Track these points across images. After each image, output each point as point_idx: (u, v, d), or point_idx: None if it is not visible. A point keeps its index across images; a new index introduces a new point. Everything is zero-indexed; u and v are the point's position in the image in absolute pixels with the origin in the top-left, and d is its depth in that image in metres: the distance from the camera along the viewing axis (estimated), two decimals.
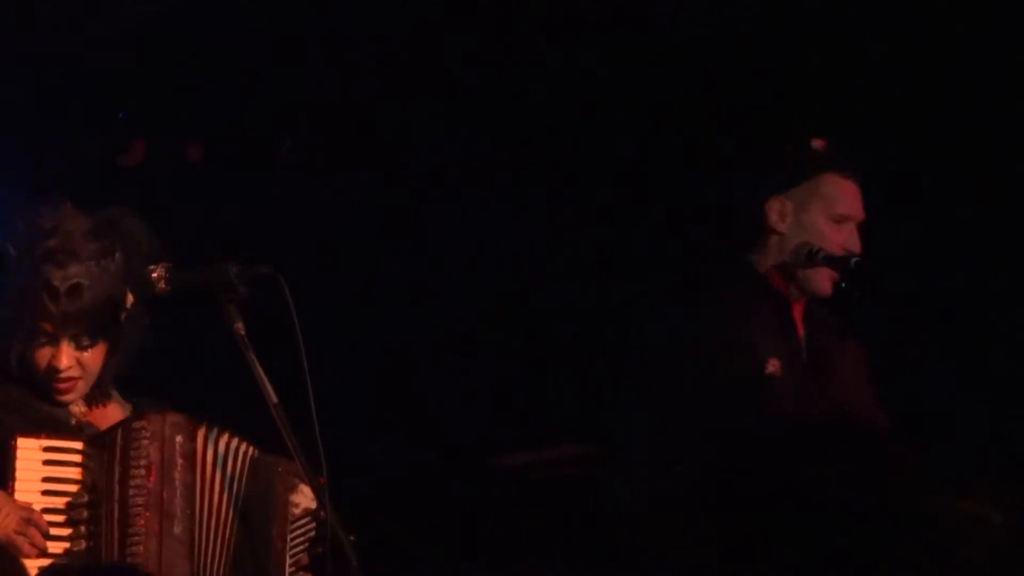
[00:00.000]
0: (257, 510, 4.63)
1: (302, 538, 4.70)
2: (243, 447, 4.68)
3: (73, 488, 4.46)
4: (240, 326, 4.20)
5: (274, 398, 4.19)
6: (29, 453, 4.40)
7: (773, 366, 4.77)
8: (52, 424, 4.51)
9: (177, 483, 4.57)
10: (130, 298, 4.61)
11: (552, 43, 6.93)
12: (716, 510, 4.39)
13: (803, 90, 6.65)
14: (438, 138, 7.62)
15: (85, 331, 4.48)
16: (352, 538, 4.27)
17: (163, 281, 4.34)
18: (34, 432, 4.39)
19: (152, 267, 4.43)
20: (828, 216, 4.84)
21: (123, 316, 4.61)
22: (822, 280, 4.82)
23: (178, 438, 4.56)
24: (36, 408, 4.50)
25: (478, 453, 6.69)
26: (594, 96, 7.17)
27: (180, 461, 4.59)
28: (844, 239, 4.84)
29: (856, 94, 6.62)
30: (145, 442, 4.51)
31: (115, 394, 4.76)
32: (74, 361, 4.44)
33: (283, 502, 4.69)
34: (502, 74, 7.09)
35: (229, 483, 4.65)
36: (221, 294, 4.27)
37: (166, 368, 5.43)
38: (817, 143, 4.94)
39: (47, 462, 4.42)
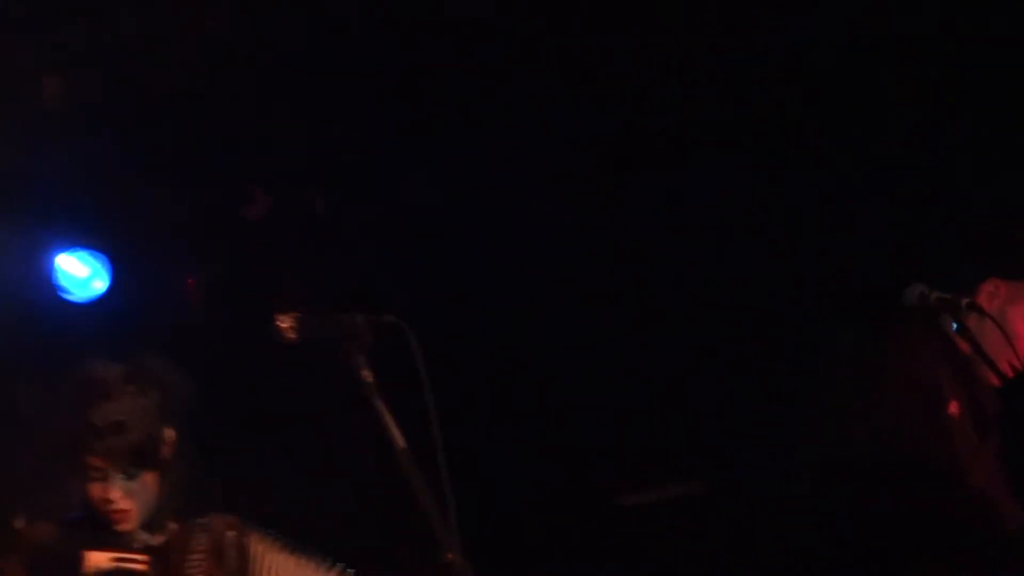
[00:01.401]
0: None
1: None
2: (297, 560, 4.82)
3: None
4: (367, 373, 4.04)
5: (402, 443, 3.98)
6: (98, 560, 4.58)
7: (954, 408, 4.70)
8: (119, 546, 4.64)
9: (234, 564, 4.77)
10: (171, 434, 4.76)
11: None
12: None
13: None
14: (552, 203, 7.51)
15: (131, 464, 4.59)
16: None
17: (292, 331, 4.19)
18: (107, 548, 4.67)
19: (281, 316, 4.22)
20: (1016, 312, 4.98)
21: (167, 451, 4.73)
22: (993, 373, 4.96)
23: (229, 534, 4.79)
24: (104, 536, 4.63)
25: (602, 492, 6.71)
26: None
27: (240, 554, 4.78)
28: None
29: None
30: (214, 534, 4.77)
31: (171, 524, 4.87)
32: (125, 492, 4.58)
33: None
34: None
35: None
36: (348, 343, 4.16)
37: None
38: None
39: (115, 571, 4.61)
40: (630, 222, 7.58)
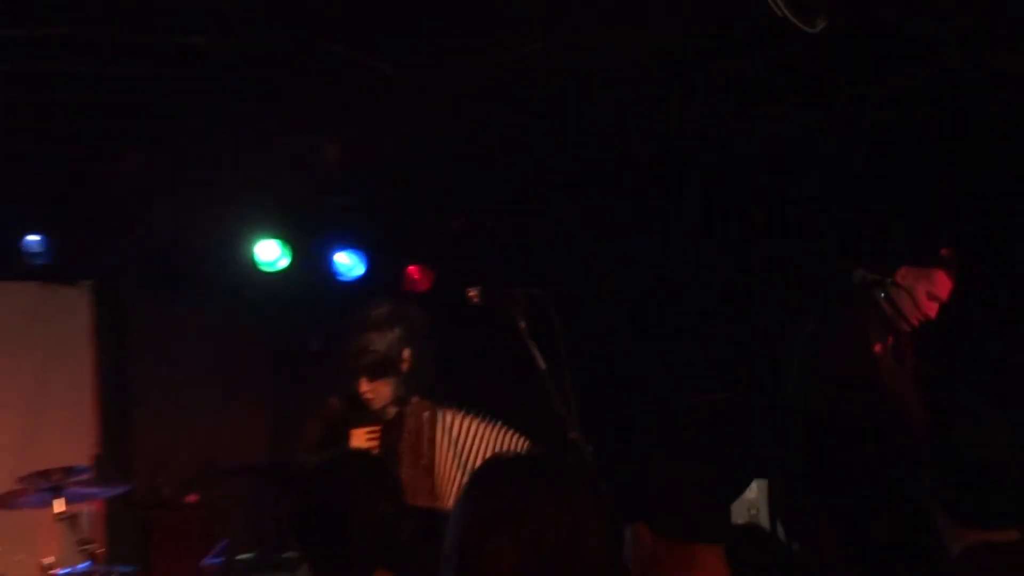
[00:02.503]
0: (476, 449, 5.83)
1: None
2: (464, 419, 5.85)
3: (377, 444, 5.78)
4: (523, 324, 5.11)
5: (543, 365, 5.08)
6: (359, 434, 5.82)
7: (878, 348, 5.42)
8: (370, 421, 5.85)
9: (424, 437, 5.82)
10: (407, 353, 5.77)
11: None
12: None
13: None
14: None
15: (377, 371, 5.69)
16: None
17: (477, 298, 5.29)
18: (364, 425, 5.85)
19: (471, 289, 5.35)
20: (927, 293, 5.49)
21: (404, 365, 5.78)
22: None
23: (426, 414, 5.81)
24: (363, 414, 5.84)
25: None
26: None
27: (426, 427, 5.87)
28: (930, 310, 5.48)
29: None
30: (414, 413, 5.81)
31: (415, 399, 5.89)
32: (372, 387, 5.70)
33: (496, 446, 5.83)
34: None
35: (456, 435, 5.82)
36: (511, 305, 5.19)
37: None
38: (944, 251, 5.51)
39: (369, 437, 5.81)
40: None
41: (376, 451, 5.65)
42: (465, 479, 5.17)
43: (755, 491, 5.50)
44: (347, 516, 3.48)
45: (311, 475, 3.87)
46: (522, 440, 5.79)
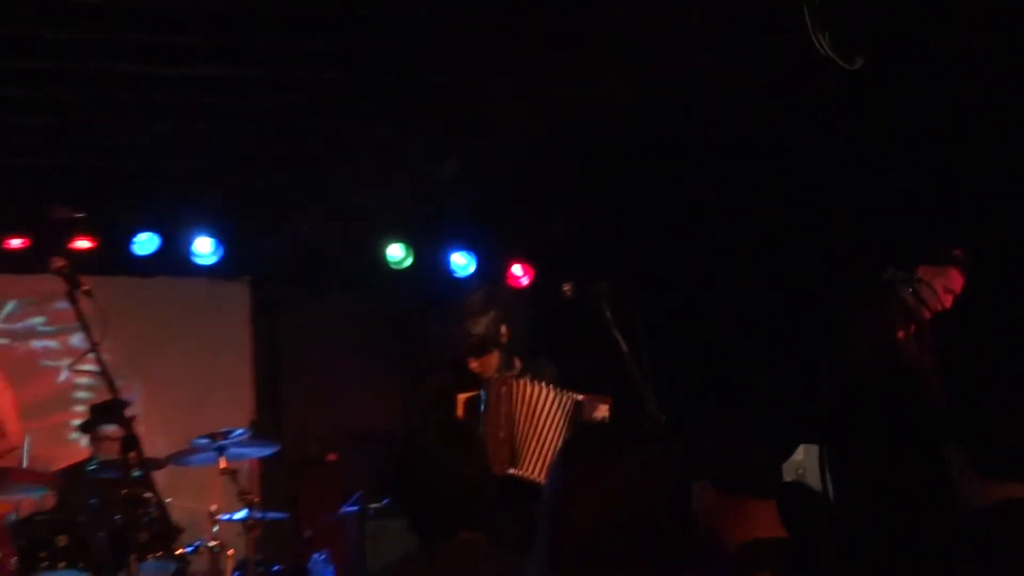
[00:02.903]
0: (554, 419, 5.69)
1: None
2: (544, 389, 5.73)
3: (479, 411, 5.69)
4: (609, 313, 5.17)
5: (625, 348, 5.10)
6: (461, 400, 5.75)
7: (901, 335, 5.44)
8: (480, 385, 5.73)
9: (502, 412, 5.67)
10: (505, 330, 5.76)
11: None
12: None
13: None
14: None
15: (479, 349, 5.70)
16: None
17: (570, 292, 5.41)
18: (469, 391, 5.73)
19: (565, 284, 5.45)
20: (944, 287, 5.40)
21: (503, 340, 5.76)
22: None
23: (503, 389, 5.69)
24: (470, 380, 5.74)
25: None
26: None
27: (504, 398, 5.72)
28: (946, 301, 5.40)
29: None
30: (494, 389, 5.70)
31: (518, 366, 5.84)
32: (477, 363, 5.70)
33: (578, 415, 5.67)
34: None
35: (534, 406, 5.72)
36: (599, 298, 5.24)
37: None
38: (957, 252, 5.47)
39: (468, 402, 5.74)
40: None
41: (472, 417, 5.71)
42: (540, 444, 5.55)
43: (801, 454, 5.51)
44: (434, 478, 3.39)
45: (407, 440, 3.82)
46: (591, 405, 5.76)
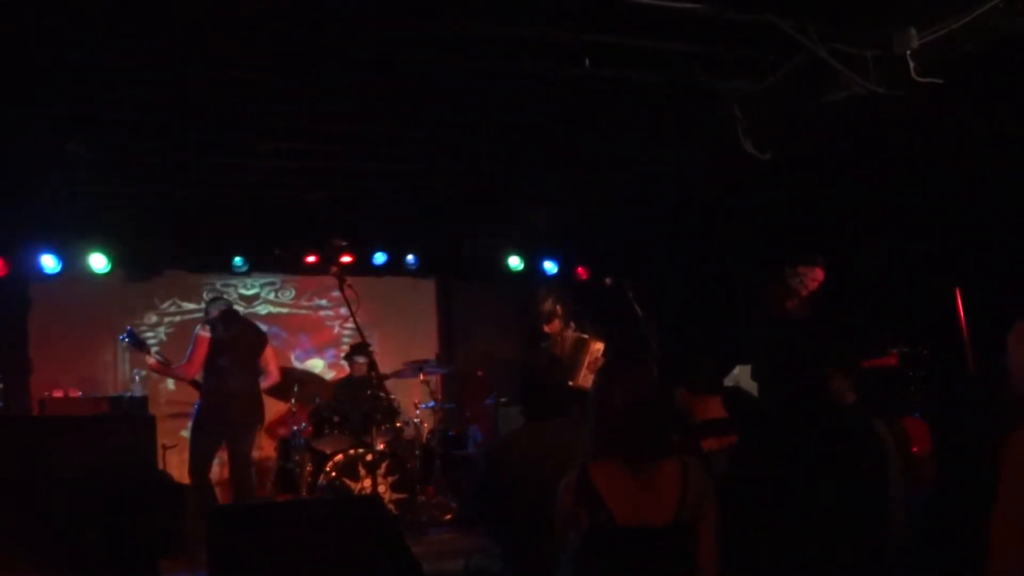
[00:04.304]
0: (595, 352, 5.11)
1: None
2: (578, 336, 5.23)
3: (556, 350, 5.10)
4: (630, 293, 5.09)
5: (640, 313, 5.04)
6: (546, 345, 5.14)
7: (790, 304, 4.97)
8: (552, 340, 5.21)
9: (567, 351, 5.10)
10: (559, 308, 5.26)
11: None
12: None
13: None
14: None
15: (546, 319, 5.25)
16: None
17: (610, 282, 5.15)
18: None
19: (607, 278, 5.21)
20: (812, 278, 4.96)
21: (559, 313, 5.29)
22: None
23: (570, 335, 5.19)
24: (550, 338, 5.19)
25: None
26: None
27: (569, 344, 5.15)
28: (815, 285, 4.93)
29: None
30: (556, 340, 5.19)
31: (572, 327, 5.32)
32: (548, 327, 5.21)
33: (581, 355, 5.04)
34: None
35: (575, 347, 5.16)
36: (625, 286, 5.11)
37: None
38: (820, 257, 4.91)
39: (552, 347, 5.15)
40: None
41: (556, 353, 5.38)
42: (587, 367, 5.13)
43: (737, 370, 5.58)
44: (541, 381, 3.14)
45: (524, 364, 3.80)
46: (595, 342, 5.31)
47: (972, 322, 4.80)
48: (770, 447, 2.55)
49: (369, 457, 5.74)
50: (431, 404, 6.88)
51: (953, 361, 4.69)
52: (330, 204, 6.83)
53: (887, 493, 2.51)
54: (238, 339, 5.49)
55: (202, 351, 5.37)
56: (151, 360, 5.44)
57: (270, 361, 5.88)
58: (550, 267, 8.21)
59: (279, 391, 6.34)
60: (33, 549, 3.10)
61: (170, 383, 7.07)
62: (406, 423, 6.63)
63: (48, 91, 4.28)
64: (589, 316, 5.52)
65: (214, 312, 5.56)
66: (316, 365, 7.94)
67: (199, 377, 5.50)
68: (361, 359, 6.64)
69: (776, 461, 2.48)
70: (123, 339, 5.62)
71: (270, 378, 5.87)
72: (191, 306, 7.50)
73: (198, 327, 5.55)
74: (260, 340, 5.72)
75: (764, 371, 4.63)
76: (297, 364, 7.75)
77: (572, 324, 5.44)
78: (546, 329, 5.43)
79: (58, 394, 5.70)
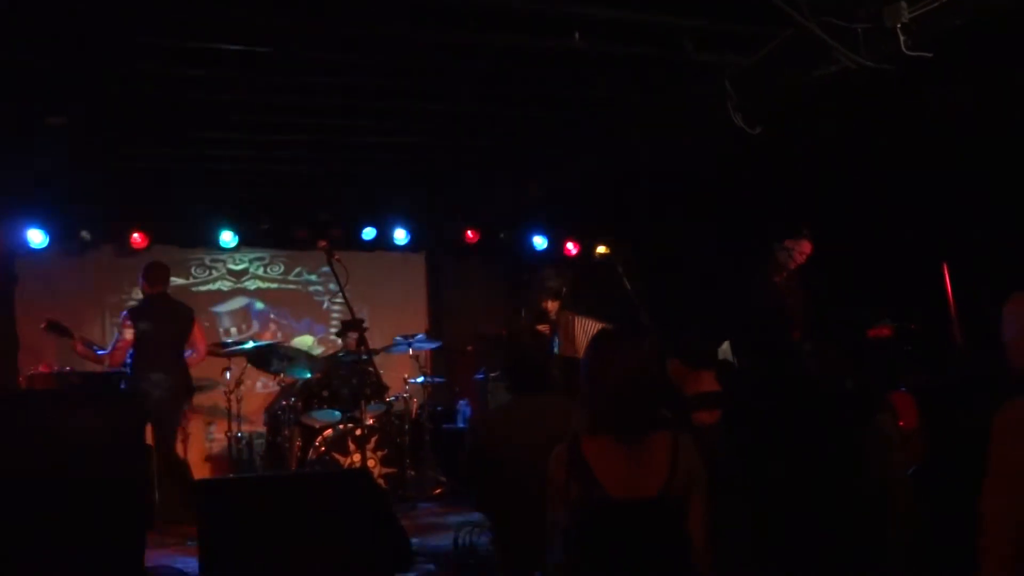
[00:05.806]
0: (591, 329, 5.24)
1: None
2: (584, 320, 5.42)
3: (548, 329, 5.35)
4: (625, 280, 5.07)
5: (629, 288, 4.99)
6: (542, 327, 5.38)
7: (778, 278, 5.06)
8: (546, 317, 5.43)
9: (563, 329, 5.30)
10: (563, 289, 5.44)
11: None
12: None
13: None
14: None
15: (554, 295, 5.45)
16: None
17: (602, 256, 5.48)
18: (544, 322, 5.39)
19: (599, 248, 5.51)
20: (799, 252, 5.01)
21: (562, 291, 5.47)
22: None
23: (568, 317, 5.41)
24: (541, 313, 5.45)
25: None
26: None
27: (565, 324, 5.39)
28: (802, 258, 5.01)
29: None
30: (561, 319, 5.46)
31: (563, 311, 5.49)
32: (549, 303, 5.44)
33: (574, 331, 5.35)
34: None
35: (582, 324, 5.44)
36: (615, 260, 5.28)
37: None
38: (806, 231, 5.02)
39: (545, 327, 5.36)
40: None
41: (547, 332, 5.59)
42: (586, 342, 5.30)
43: (726, 344, 5.59)
44: (525, 355, 3.11)
45: (510, 339, 3.94)
46: (589, 320, 5.53)
47: (960, 297, 4.78)
48: (762, 435, 2.64)
49: (358, 432, 5.65)
50: (420, 379, 6.81)
51: (941, 336, 4.67)
52: (320, 179, 6.78)
53: (886, 476, 2.58)
54: (162, 328, 5.52)
55: (125, 344, 5.45)
56: (78, 346, 5.42)
57: (198, 340, 5.86)
58: (540, 242, 8.16)
59: (263, 363, 6.27)
60: (21, 524, 3.08)
61: None
62: (395, 398, 6.58)
63: (29, 65, 4.26)
64: (588, 296, 5.65)
65: (143, 298, 5.62)
66: (305, 341, 7.91)
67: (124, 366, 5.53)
68: (351, 335, 6.56)
69: (771, 452, 2.57)
70: (44, 327, 5.51)
71: (197, 355, 5.85)
72: (180, 281, 7.42)
73: (124, 313, 5.58)
74: (186, 325, 5.72)
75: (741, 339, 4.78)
76: (285, 338, 7.75)
77: (573, 305, 5.62)
78: (547, 305, 5.53)
79: (45, 369, 5.55)
